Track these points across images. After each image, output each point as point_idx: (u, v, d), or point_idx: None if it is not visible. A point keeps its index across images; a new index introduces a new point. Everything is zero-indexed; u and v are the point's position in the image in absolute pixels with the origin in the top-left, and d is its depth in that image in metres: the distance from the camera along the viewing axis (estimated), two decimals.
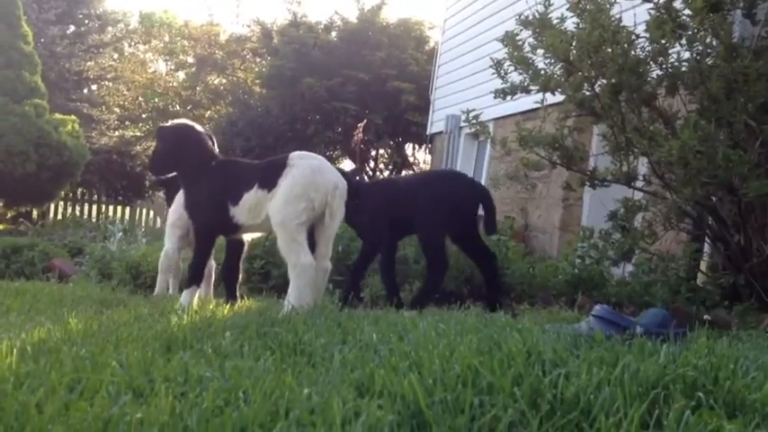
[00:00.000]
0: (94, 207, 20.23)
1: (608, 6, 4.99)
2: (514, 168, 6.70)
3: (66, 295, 5.25)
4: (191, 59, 26.02)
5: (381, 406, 1.95)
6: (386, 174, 17.48)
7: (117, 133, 24.49)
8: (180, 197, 5.75)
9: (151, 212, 21.39)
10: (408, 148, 17.20)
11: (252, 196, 4.50)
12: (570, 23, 5.22)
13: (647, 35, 4.88)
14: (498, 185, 6.94)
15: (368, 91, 14.60)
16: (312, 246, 4.41)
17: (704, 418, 1.87)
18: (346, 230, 6.48)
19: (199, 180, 4.83)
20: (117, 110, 25.96)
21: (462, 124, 10.54)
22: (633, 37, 4.91)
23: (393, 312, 4.36)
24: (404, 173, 17.57)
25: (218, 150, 5.16)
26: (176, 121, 5.33)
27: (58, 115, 16.15)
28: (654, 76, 4.94)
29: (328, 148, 16.62)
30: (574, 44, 5.22)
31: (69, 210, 19.35)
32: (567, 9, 5.22)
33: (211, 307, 4.36)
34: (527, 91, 5.93)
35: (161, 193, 24.01)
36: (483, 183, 9.94)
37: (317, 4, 30.00)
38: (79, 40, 25.85)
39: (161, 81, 26.98)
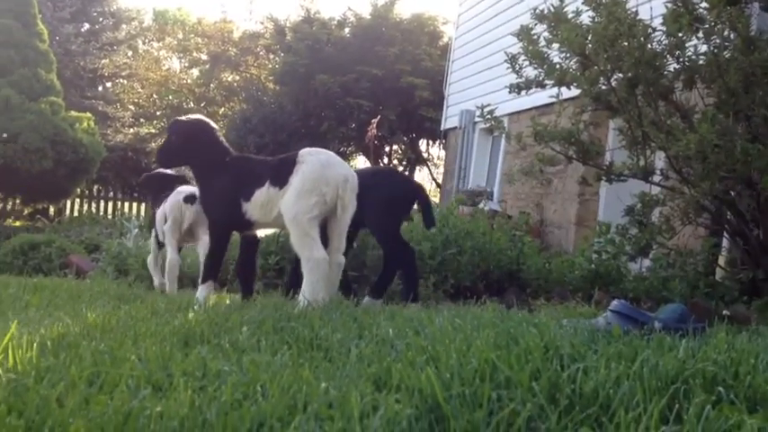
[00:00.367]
0: (110, 204, 20.33)
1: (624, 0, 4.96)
2: (529, 163, 6.69)
3: (84, 291, 5.28)
4: (204, 56, 26.14)
5: (399, 400, 1.95)
6: (400, 170, 17.49)
7: (132, 130, 24.64)
8: (169, 200, 6.17)
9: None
10: (422, 143, 17.19)
11: (263, 193, 4.53)
12: (585, 17, 5.19)
13: (664, 28, 4.84)
14: (513, 181, 6.93)
15: (381, 87, 14.60)
16: (325, 240, 4.43)
17: (725, 413, 1.85)
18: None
19: (213, 176, 4.85)
20: (131, 107, 26.13)
21: (477, 119, 10.52)
22: (649, 30, 4.87)
23: (410, 307, 4.36)
24: (417, 169, 17.58)
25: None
26: (191, 115, 5.35)
27: (73, 113, 16.26)
28: (671, 69, 4.91)
29: (342, 144, 16.64)
30: (589, 38, 5.19)
31: (85, 206, 19.47)
32: (583, 3, 5.20)
33: (227, 302, 4.37)
34: (542, 85, 5.90)
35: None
36: (498, 178, 9.95)
37: (331, 1, 30.06)
38: (93, 37, 25.97)
39: (175, 78, 27.12)
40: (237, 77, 24.66)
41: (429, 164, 17.75)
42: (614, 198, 6.53)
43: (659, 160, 5.23)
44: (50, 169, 14.66)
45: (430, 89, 14.17)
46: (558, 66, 5.65)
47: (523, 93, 6.14)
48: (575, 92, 5.73)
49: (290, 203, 4.36)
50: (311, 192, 4.32)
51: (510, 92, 6.15)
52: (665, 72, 4.89)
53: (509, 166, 8.76)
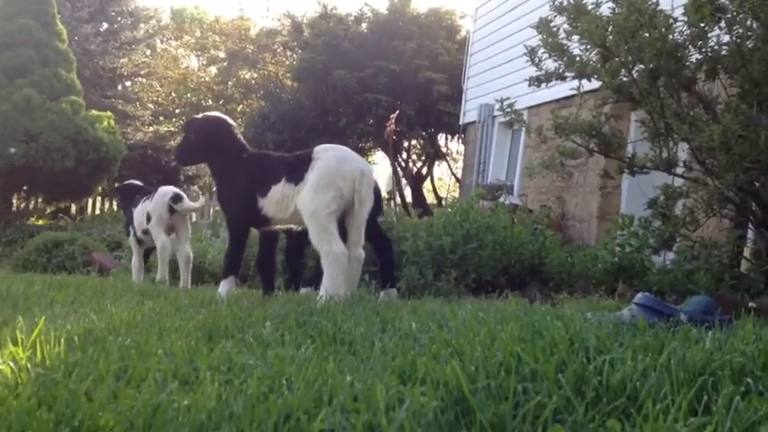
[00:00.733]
0: None
1: None
2: (550, 157, 6.64)
3: (108, 288, 5.33)
4: (222, 54, 26.22)
5: (424, 393, 1.95)
6: (419, 165, 17.48)
7: (151, 129, 24.78)
8: (144, 204, 6.96)
9: None
10: (441, 138, 17.14)
11: (280, 189, 4.58)
12: (606, 8, 5.15)
13: (685, 19, 4.79)
14: (534, 174, 6.89)
15: (399, 82, 14.58)
16: (344, 235, 4.45)
17: (754, 404, 1.83)
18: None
19: (229, 173, 4.90)
20: (151, 106, 26.28)
21: (496, 113, 10.48)
22: (671, 21, 4.82)
23: (430, 301, 4.36)
24: (436, 164, 17.54)
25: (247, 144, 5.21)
26: (209, 113, 5.37)
27: (94, 112, 16.39)
28: (693, 60, 4.85)
29: (360, 139, 16.64)
30: (610, 29, 5.15)
31: (107, 205, 19.63)
32: None
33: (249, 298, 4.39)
34: (562, 78, 5.86)
35: (195, 187, 24.35)
36: (518, 172, 9.91)
37: None
38: (112, 37, 26.14)
39: (193, 76, 27.24)
40: (255, 75, 24.71)
41: (448, 159, 17.70)
42: (636, 190, 6.48)
43: (682, 152, 5.18)
44: (72, 168, 14.80)
45: (448, 83, 14.11)
46: (578, 58, 5.61)
47: (543, 86, 6.11)
48: (595, 84, 5.68)
49: (308, 199, 4.40)
50: (328, 187, 4.36)
51: (529, 85, 6.12)
52: (688, 63, 4.84)
53: (529, 160, 8.71)
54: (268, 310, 3.57)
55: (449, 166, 17.69)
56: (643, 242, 5.13)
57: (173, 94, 26.44)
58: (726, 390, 1.89)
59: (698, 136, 4.42)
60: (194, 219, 7.53)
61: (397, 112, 10.31)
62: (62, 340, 2.68)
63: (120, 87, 26.49)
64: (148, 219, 7.00)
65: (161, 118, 26.36)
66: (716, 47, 4.74)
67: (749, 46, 4.57)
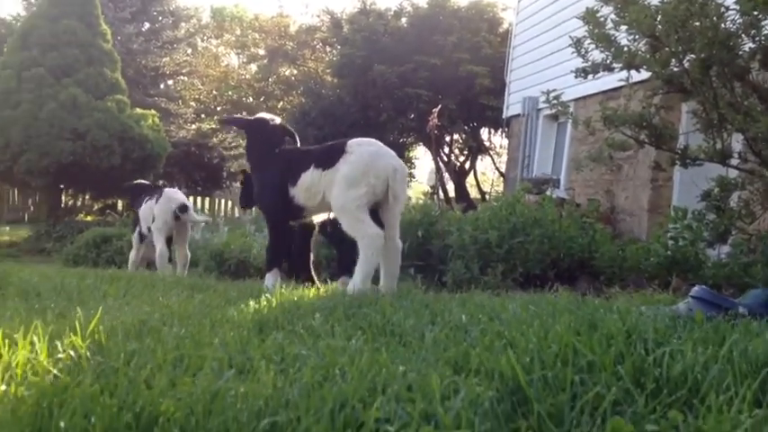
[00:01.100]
0: None
1: None
2: (598, 149, 6.55)
3: (157, 281, 5.41)
4: (262, 52, 26.44)
5: (479, 383, 1.94)
6: (461, 159, 17.41)
7: (194, 126, 25.09)
8: (148, 203, 7.50)
9: (229, 202, 21.82)
10: (484, 132, 17.04)
11: (309, 176, 4.64)
12: None
13: (737, 7, 4.68)
14: (581, 168, 6.80)
15: (440, 76, 14.51)
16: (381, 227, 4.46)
17: None
18: (425, 216, 6.48)
19: (265, 169, 5.03)
20: (193, 103, 26.63)
21: (541, 106, 10.37)
22: (722, 9, 4.72)
23: (477, 295, 4.33)
24: (479, 159, 17.44)
25: (298, 142, 5.30)
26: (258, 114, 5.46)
27: (138, 110, 16.66)
28: (746, 49, 4.73)
29: (401, 134, 16.63)
30: (659, 19, 5.05)
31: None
32: None
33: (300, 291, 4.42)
34: (610, 69, 5.78)
35: (237, 184, 24.58)
36: (564, 165, 9.80)
37: None
38: (154, 36, 26.55)
39: (234, 74, 27.51)
40: (295, 71, 24.87)
41: (491, 153, 17.59)
42: (689, 183, 6.36)
43: (737, 143, 5.06)
44: (118, 165, 15.08)
45: (490, 77, 14.00)
46: (626, 48, 5.52)
47: (590, 77, 6.02)
48: (644, 75, 5.59)
49: (339, 193, 4.44)
50: (360, 182, 4.38)
51: (576, 76, 6.04)
52: (740, 52, 4.72)
53: (576, 153, 8.60)
54: (316, 303, 3.59)
55: (492, 160, 17.59)
56: (697, 235, 5.02)
57: (214, 91, 26.74)
58: None
59: (753, 126, 4.32)
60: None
61: (440, 106, 10.27)
62: (119, 330, 2.73)
63: (162, 86, 26.90)
64: (153, 219, 7.48)
65: (203, 115, 26.69)
66: None
67: None
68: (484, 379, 1.98)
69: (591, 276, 5.59)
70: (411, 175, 17.83)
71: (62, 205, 17.94)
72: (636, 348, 2.14)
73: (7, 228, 16.01)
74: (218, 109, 26.73)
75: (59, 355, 2.30)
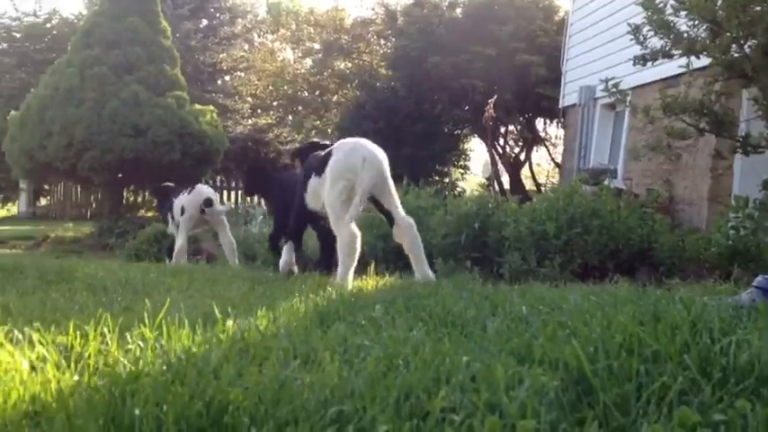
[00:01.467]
0: (233, 193, 21.05)
1: None
2: (657, 138, 6.44)
3: (219, 275, 5.52)
4: (317, 46, 26.56)
5: (543, 373, 1.94)
6: (516, 150, 17.26)
7: (250, 122, 25.38)
8: (177, 202, 8.11)
9: None
10: (539, 123, 16.84)
11: (313, 183, 5.07)
12: None
13: None
14: (639, 157, 6.69)
15: (495, 66, 14.37)
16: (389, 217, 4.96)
17: None
18: (481, 208, 6.46)
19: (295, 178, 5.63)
20: (249, 99, 26.93)
21: (598, 95, 10.20)
22: None
23: (536, 287, 4.32)
24: (535, 149, 17.26)
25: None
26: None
27: (197, 106, 16.93)
28: None
29: (456, 126, 16.55)
30: (719, 4, 4.95)
31: None
32: None
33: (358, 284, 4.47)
34: (669, 56, 5.68)
35: None
36: (622, 155, 9.64)
37: None
38: (211, 33, 26.94)
39: (290, 68, 27.72)
40: (350, 65, 24.93)
41: (546, 143, 17.38)
42: (750, 171, 6.21)
43: None
44: (178, 160, 15.36)
45: (546, 66, 13.80)
46: (685, 34, 5.42)
47: (648, 64, 5.93)
48: (704, 61, 5.47)
49: (326, 192, 4.84)
50: (339, 179, 4.74)
51: (634, 64, 5.95)
52: None
53: (634, 142, 8.44)
54: (376, 295, 3.62)
55: (548, 150, 17.37)
56: (759, 224, 4.91)
57: (270, 86, 26.98)
58: None
59: None
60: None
61: (495, 97, 10.19)
62: (185, 322, 2.81)
63: (219, 82, 27.28)
64: (182, 211, 8.01)
65: (259, 111, 26.99)
66: None
67: None
68: (548, 369, 1.98)
69: (650, 267, 5.50)
70: (466, 167, 17.75)
71: (124, 201, 18.35)
72: (701, 338, 2.11)
73: (71, 224, 16.45)
74: (275, 104, 26.99)
75: (129, 346, 2.38)
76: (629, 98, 6.68)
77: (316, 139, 6.02)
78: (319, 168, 4.97)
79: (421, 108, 15.79)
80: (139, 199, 20.28)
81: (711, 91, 5.41)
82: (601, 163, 9.85)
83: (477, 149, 20.01)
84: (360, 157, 4.72)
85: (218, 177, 21.00)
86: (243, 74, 27.91)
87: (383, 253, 6.87)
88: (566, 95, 12.12)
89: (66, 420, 1.69)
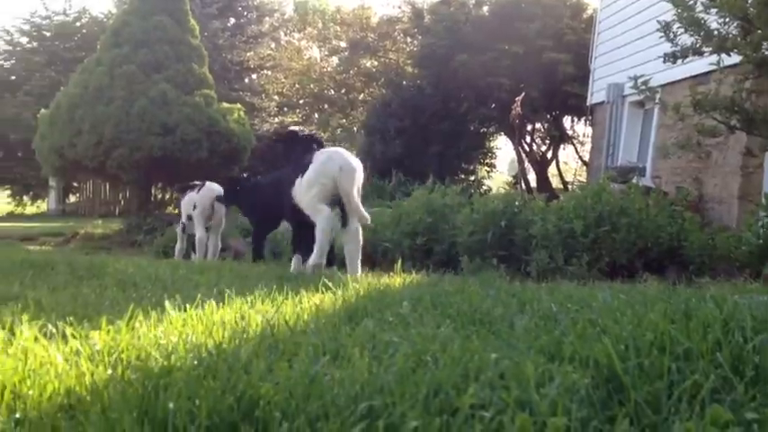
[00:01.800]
0: None
1: None
2: (686, 136, 6.37)
3: (246, 271, 5.55)
4: (343, 44, 26.64)
5: (573, 371, 1.93)
6: (543, 148, 17.15)
7: (277, 119, 25.51)
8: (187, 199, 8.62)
9: None
10: (566, 120, 16.72)
11: (297, 184, 5.59)
12: None
13: None
14: (668, 155, 6.63)
15: (522, 64, 14.30)
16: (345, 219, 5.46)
17: None
18: (508, 206, 6.44)
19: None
20: (276, 97, 27.06)
21: (626, 92, 10.12)
22: None
23: (564, 284, 4.30)
24: (562, 147, 17.16)
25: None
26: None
27: (225, 104, 17.03)
28: None
29: (483, 124, 16.50)
30: (750, 1, 4.89)
31: None
32: None
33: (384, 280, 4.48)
34: (699, 53, 5.62)
35: None
36: (650, 153, 9.55)
37: None
38: (239, 31, 27.08)
39: (316, 67, 27.80)
40: (376, 63, 24.97)
41: (574, 141, 17.25)
42: None
43: None
44: (205, 158, 15.47)
45: (574, 64, 13.69)
46: (716, 32, 5.36)
47: (678, 62, 5.87)
48: (735, 58, 5.40)
49: (302, 193, 5.47)
50: (313, 183, 5.37)
51: (664, 61, 5.89)
52: None
53: (663, 140, 8.35)
54: (404, 292, 3.63)
55: (575, 148, 17.25)
56: None
57: (296, 85, 27.07)
58: None
59: None
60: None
61: (523, 94, 10.14)
62: (213, 317, 2.84)
63: (246, 80, 27.42)
64: (194, 208, 8.48)
65: (285, 109, 27.12)
66: None
67: None
68: (578, 367, 1.98)
69: (680, 266, 5.45)
70: (492, 165, 17.70)
71: (152, 199, 18.53)
72: (733, 336, 2.09)
73: (100, 221, 16.64)
74: (301, 102, 27.12)
75: (160, 341, 2.41)
76: (658, 95, 6.62)
77: (295, 128, 6.70)
78: (303, 172, 5.54)
79: (447, 106, 15.76)
80: (167, 196, 20.45)
81: (742, 88, 5.35)
82: (629, 161, 9.77)
83: (503, 147, 19.92)
84: (336, 166, 5.33)
85: (245, 175, 21.12)
86: (270, 72, 28.06)
87: (409, 250, 6.88)
88: (594, 93, 12.03)
89: (102, 413, 1.71)
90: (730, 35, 5.21)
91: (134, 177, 15.97)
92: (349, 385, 1.85)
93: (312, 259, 5.31)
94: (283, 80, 28.05)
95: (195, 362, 2.14)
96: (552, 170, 17.46)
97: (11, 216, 22.44)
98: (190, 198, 8.58)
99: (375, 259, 7.10)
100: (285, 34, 31.98)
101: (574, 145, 17.21)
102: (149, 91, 15.42)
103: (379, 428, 1.66)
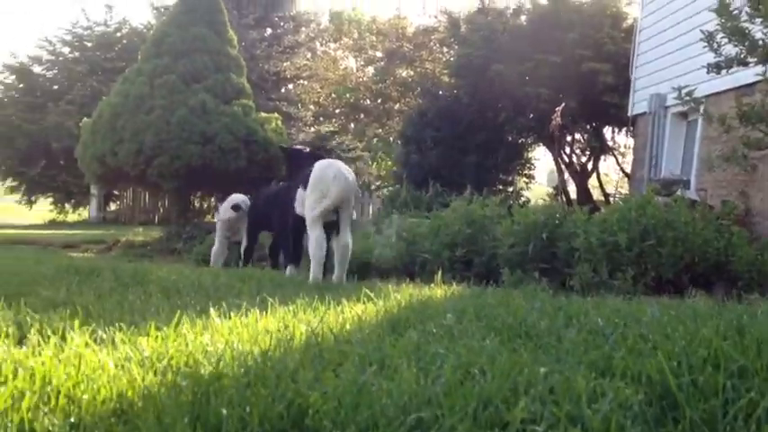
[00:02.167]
0: None
1: None
2: (731, 148, 6.27)
3: (286, 280, 5.59)
4: (379, 54, 26.73)
5: (626, 386, 1.91)
6: (583, 159, 16.98)
7: (313, 129, 25.66)
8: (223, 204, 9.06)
9: None
10: (607, 131, 16.51)
11: (300, 193, 6.21)
12: None
13: None
14: (713, 168, 6.52)
15: (561, 74, 14.16)
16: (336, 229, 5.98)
17: None
18: (549, 218, 6.38)
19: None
20: (312, 107, 27.24)
21: (669, 103, 9.98)
22: None
23: (610, 298, 4.24)
24: (602, 158, 16.96)
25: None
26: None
27: (262, 114, 17.19)
28: None
29: (520, 134, 16.39)
30: None
31: None
32: None
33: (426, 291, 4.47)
34: (744, 63, 5.53)
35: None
36: (695, 165, 9.39)
37: None
38: (276, 41, 27.33)
39: (352, 77, 27.95)
40: (412, 72, 25.02)
41: (614, 153, 17.05)
42: None
43: None
44: (244, 167, 15.61)
45: (614, 74, 13.52)
46: (761, 42, 5.28)
47: (723, 72, 5.79)
48: None
49: (306, 202, 6.03)
50: (313, 191, 5.89)
51: (708, 72, 5.82)
52: None
53: (707, 152, 8.22)
54: (447, 303, 3.61)
55: (616, 160, 17.04)
56: None
57: (332, 94, 27.23)
58: None
59: None
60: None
61: (563, 105, 10.06)
62: (258, 326, 2.86)
63: (283, 90, 27.63)
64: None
65: (321, 118, 27.28)
66: None
67: None
68: (630, 382, 1.95)
69: (727, 282, 5.34)
70: (530, 176, 17.57)
71: (191, 207, 18.73)
72: None
73: (140, 229, 16.86)
74: (337, 111, 27.27)
75: (208, 348, 2.43)
76: (702, 107, 6.53)
77: (299, 147, 7.81)
78: (305, 182, 6.06)
79: (484, 116, 15.69)
80: (206, 205, 20.65)
81: None
82: (672, 173, 9.62)
83: (541, 158, 19.75)
84: (331, 174, 5.84)
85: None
86: (306, 82, 28.26)
87: (449, 262, 6.84)
88: (635, 104, 11.89)
89: (156, 418, 1.73)
90: None
91: (174, 186, 16.16)
92: (397, 396, 1.85)
93: (312, 271, 5.82)
94: (319, 90, 28.24)
95: (242, 369, 2.15)
96: (593, 182, 17.26)
97: (53, 223, 22.83)
98: (222, 207, 9.05)
99: (413, 271, 7.08)
100: (321, 44, 32.19)
101: (614, 156, 17.01)
102: (189, 100, 15.62)
103: None
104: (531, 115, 15.14)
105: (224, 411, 1.73)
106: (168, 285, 4.77)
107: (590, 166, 16.94)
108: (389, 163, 23.68)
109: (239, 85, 16.82)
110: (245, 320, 3.06)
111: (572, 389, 1.87)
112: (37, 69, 25.89)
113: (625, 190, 14.80)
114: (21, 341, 2.56)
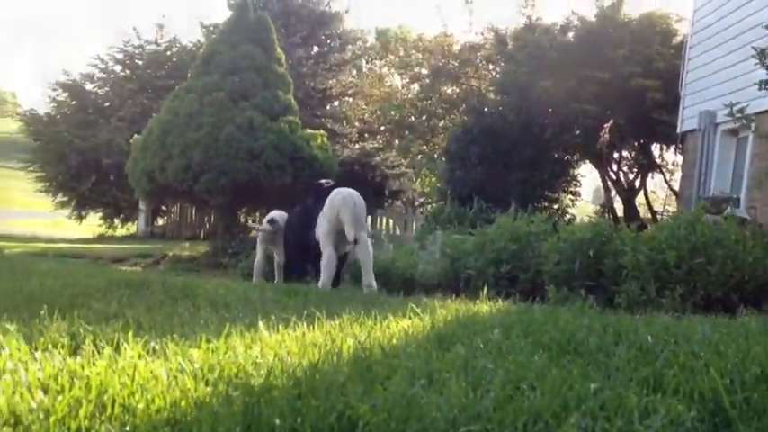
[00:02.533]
0: None
1: None
2: None
3: (332, 295, 5.63)
4: (425, 71, 26.79)
5: (678, 403, 1.89)
6: (630, 177, 16.75)
7: (358, 146, 25.80)
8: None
9: (390, 221, 22.16)
10: (655, 148, 16.27)
11: (319, 218, 7.23)
12: None
13: None
14: (764, 186, 6.41)
15: (608, 91, 14.02)
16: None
17: None
18: (596, 235, 6.32)
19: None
20: (357, 124, 27.42)
21: (719, 120, 9.82)
22: None
23: (658, 317, 4.18)
24: (650, 175, 16.72)
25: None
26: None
27: (308, 130, 17.36)
28: None
29: (566, 151, 16.24)
30: None
31: None
32: None
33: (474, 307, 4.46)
34: None
35: (398, 202, 25.10)
36: (745, 183, 9.21)
37: (553, 7, 29.69)
38: (322, 59, 27.63)
39: (397, 94, 28.05)
40: (458, 89, 24.99)
41: (662, 170, 16.78)
42: None
43: None
44: (289, 183, 15.77)
45: (663, 90, 13.33)
46: None
47: None
48: None
49: (320, 224, 7.17)
50: (327, 214, 7.03)
51: (760, 88, 5.74)
52: None
53: (758, 170, 8.06)
54: (494, 319, 3.61)
55: (664, 177, 16.76)
56: None
57: (378, 111, 27.35)
58: None
59: None
60: None
61: (611, 121, 9.95)
62: (306, 339, 2.89)
63: (328, 107, 27.88)
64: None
65: (366, 135, 27.42)
66: None
67: None
68: (682, 399, 1.93)
69: None
70: (576, 194, 17.39)
71: (237, 222, 18.97)
72: None
73: (187, 244, 17.15)
74: (382, 128, 27.35)
75: (258, 360, 2.47)
76: (753, 124, 6.42)
77: (321, 181, 8.57)
78: (322, 207, 7.13)
79: (529, 132, 15.59)
80: (252, 220, 20.90)
81: None
82: (722, 191, 9.45)
83: (587, 175, 19.50)
84: (341, 197, 6.93)
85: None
86: (351, 99, 28.46)
87: (494, 278, 6.82)
88: (684, 120, 11.72)
89: (210, 427, 1.76)
90: None
91: (220, 201, 16.37)
92: (446, 410, 1.86)
93: (321, 283, 6.85)
94: (364, 107, 28.38)
95: (292, 381, 2.18)
96: (639, 199, 17.00)
97: (102, 238, 23.35)
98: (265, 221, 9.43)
99: (457, 287, 7.07)
100: (367, 62, 32.40)
101: (662, 173, 16.74)
102: (237, 118, 15.84)
103: None
104: (578, 132, 15.01)
105: (276, 421, 1.75)
106: (216, 299, 4.85)
107: (637, 183, 16.70)
108: (433, 179, 23.66)
109: (286, 101, 17.01)
110: (293, 334, 3.09)
111: (623, 405, 1.86)
112: (89, 87, 26.54)
113: (672, 208, 14.56)
114: (75, 352, 2.63)
